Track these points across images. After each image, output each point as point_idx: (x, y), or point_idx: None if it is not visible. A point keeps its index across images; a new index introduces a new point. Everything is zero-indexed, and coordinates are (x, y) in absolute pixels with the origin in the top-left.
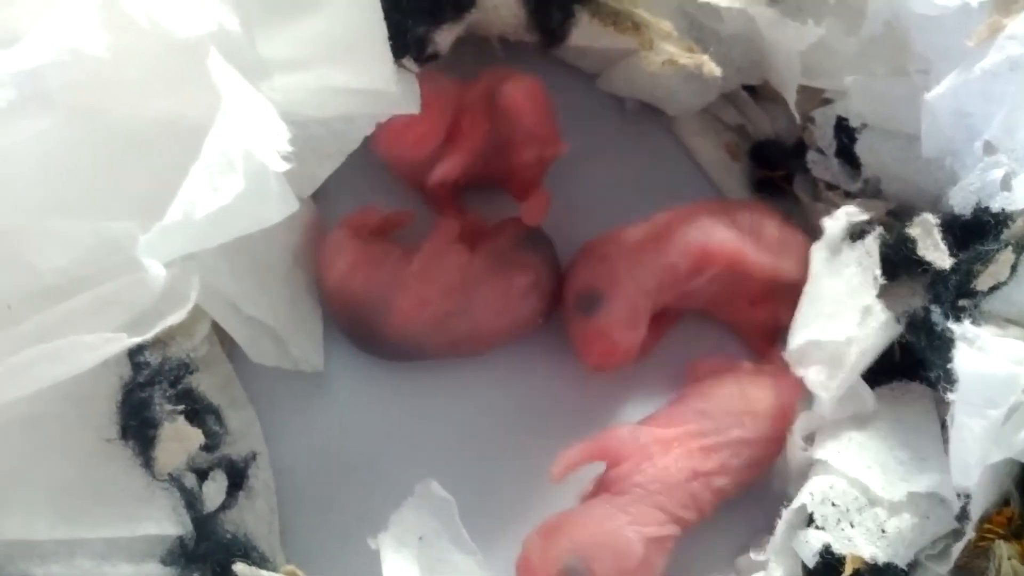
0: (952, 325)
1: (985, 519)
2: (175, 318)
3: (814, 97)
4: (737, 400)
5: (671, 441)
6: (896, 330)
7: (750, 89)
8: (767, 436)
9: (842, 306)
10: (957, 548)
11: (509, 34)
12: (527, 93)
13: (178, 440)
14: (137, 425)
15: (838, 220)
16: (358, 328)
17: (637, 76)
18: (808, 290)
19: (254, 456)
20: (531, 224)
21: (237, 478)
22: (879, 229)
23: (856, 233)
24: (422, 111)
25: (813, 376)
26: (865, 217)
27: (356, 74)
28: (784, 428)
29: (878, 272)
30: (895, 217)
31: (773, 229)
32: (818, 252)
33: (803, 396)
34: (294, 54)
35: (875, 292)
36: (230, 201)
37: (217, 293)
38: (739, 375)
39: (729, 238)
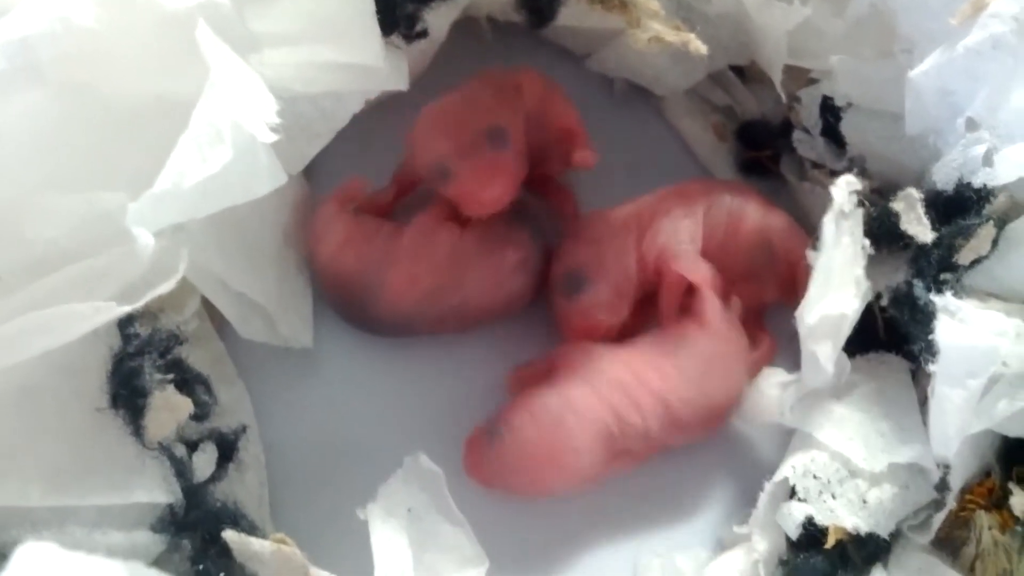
0: (934, 298)
1: (966, 490)
2: (164, 288)
3: (800, 77)
4: (699, 349)
5: (621, 353)
6: (868, 295)
7: (737, 70)
8: (726, 378)
9: (843, 277)
10: (938, 519)
11: (498, 14)
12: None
13: (168, 409)
14: (127, 394)
15: (842, 188)
16: (349, 304)
17: (626, 56)
18: (820, 262)
19: (244, 429)
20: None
21: (227, 451)
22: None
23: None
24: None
25: (823, 352)
26: (860, 186)
27: (345, 50)
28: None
29: (866, 242)
30: (880, 195)
31: (755, 212)
32: (829, 223)
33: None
34: (283, 29)
35: (864, 262)
36: (218, 171)
37: (207, 270)
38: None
39: (690, 257)
